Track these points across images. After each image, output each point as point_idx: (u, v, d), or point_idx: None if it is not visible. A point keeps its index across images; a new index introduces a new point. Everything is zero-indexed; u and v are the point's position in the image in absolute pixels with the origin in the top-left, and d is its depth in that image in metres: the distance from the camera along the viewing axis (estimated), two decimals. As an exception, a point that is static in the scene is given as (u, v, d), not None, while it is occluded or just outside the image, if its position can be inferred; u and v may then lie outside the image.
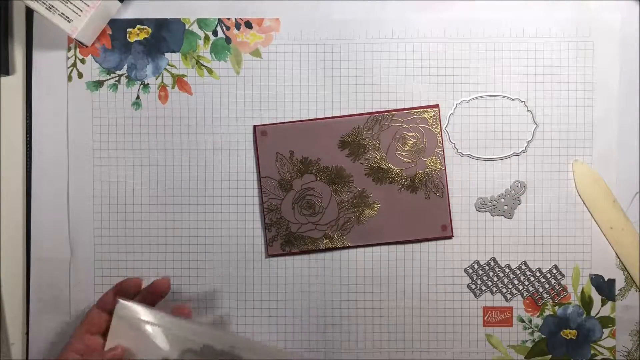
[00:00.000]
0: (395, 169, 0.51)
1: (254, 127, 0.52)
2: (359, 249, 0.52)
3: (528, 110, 0.52)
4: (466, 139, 0.52)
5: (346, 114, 0.52)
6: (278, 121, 0.52)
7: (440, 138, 0.51)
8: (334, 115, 0.52)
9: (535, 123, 0.52)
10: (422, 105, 0.51)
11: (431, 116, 0.51)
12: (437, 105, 0.51)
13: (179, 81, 0.52)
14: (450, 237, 0.52)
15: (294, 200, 0.51)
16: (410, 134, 0.51)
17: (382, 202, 0.51)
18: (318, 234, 0.52)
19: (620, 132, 0.52)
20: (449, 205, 0.51)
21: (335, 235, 0.52)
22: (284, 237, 0.52)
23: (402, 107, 0.51)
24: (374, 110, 0.52)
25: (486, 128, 0.52)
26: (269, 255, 0.52)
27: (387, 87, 0.52)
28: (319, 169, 0.51)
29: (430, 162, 0.51)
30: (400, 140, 0.51)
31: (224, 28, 0.52)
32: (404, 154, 0.51)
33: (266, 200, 0.51)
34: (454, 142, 0.52)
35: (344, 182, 0.51)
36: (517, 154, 0.52)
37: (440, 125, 0.51)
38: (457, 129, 0.52)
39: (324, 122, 0.51)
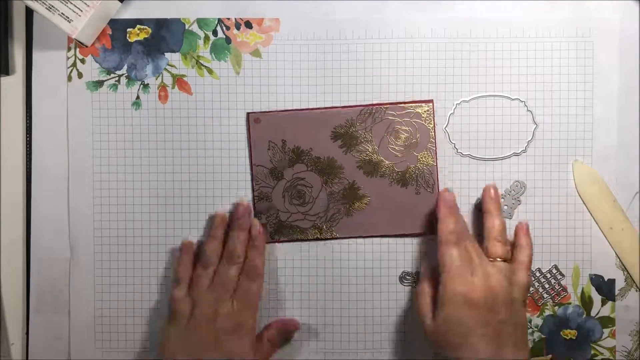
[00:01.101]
0: (387, 162, 0.51)
1: (247, 114, 0.52)
2: (350, 241, 0.52)
3: (528, 110, 0.52)
4: (466, 139, 0.52)
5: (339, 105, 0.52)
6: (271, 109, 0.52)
7: (433, 133, 0.51)
8: (327, 106, 0.51)
9: (535, 123, 0.52)
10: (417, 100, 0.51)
11: (425, 111, 0.51)
12: (431, 101, 0.51)
13: (179, 81, 0.52)
14: None
15: (284, 189, 0.51)
16: (403, 128, 0.51)
17: (372, 195, 0.51)
18: (307, 224, 0.52)
19: (620, 132, 0.52)
20: None
21: (324, 227, 0.51)
22: (274, 225, 0.52)
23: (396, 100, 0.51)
24: (367, 103, 0.51)
25: (486, 128, 0.52)
26: None
27: (387, 87, 0.52)
28: (311, 159, 0.51)
29: (421, 157, 0.51)
30: (393, 134, 0.51)
31: (224, 28, 0.52)
32: (396, 147, 0.51)
33: (257, 188, 0.51)
34: (453, 142, 0.52)
35: (335, 174, 0.51)
36: (517, 154, 0.52)
37: (434, 120, 0.51)
38: (457, 129, 0.52)
39: (318, 112, 0.51)
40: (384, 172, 0.51)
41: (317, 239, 0.52)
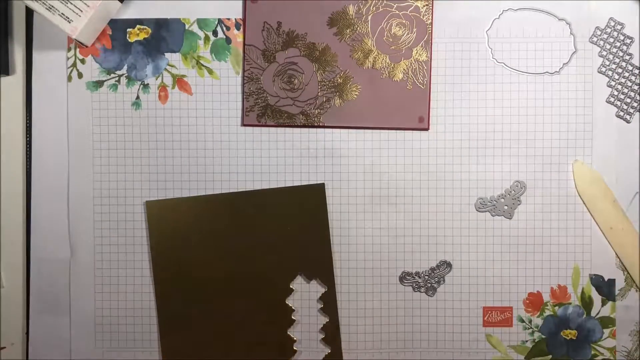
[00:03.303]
0: (381, 54, 0.51)
1: None
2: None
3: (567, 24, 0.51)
4: (466, 140, 0.52)
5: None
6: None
7: (430, 29, 0.51)
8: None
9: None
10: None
11: (424, 5, 0.51)
12: None
13: (179, 81, 0.52)
14: (426, 129, 0.51)
15: (275, 73, 0.51)
16: (401, 20, 0.51)
17: (363, 86, 0.51)
18: (295, 109, 0.51)
19: (620, 132, 0.52)
20: (429, 98, 0.51)
21: (312, 114, 0.51)
22: (261, 108, 0.51)
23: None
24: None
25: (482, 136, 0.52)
26: (244, 124, 0.52)
27: (387, 87, 0.52)
28: (305, 44, 0.51)
29: (416, 52, 0.51)
30: (389, 26, 0.51)
31: (224, 28, 0.52)
32: (391, 40, 0.51)
33: (247, 68, 0.51)
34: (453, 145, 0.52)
35: (328, 61, 0.51)
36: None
37: (432, 16, 0.51)
38: (456, 129, 0.52)
39: None
40: (377, 63, 0.51)
41: (304, 126, 0.52)
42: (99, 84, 0.52)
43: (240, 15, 0.52)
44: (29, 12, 0.52)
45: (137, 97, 0.52)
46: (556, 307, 0.52)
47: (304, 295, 0.52)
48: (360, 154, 0.52)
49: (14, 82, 0.53)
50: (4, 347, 0.52)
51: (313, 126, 0.52)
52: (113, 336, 0.53)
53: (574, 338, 0.52)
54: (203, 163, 0.52)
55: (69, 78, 0.52)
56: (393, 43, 0.51)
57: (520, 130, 0.52)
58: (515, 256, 0.52)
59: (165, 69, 0.52)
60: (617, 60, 0.51)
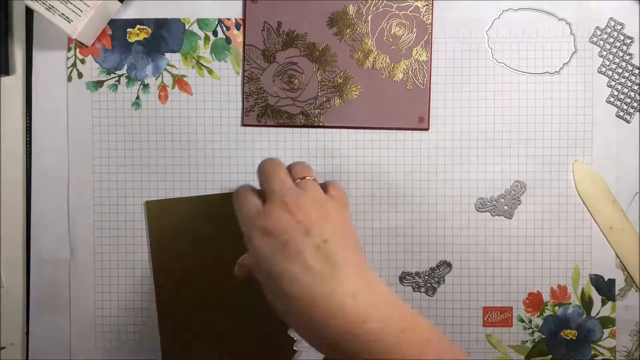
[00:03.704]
0: (381, 54, 0.51)
1: None
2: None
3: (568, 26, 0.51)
4: (466, 139, 0.52)
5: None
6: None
7: (430, 29, 0.51)
8: (325, -7, 0.51)
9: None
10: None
11: (424, 5, 0.51)
12: None
13: (179, 81, 0.52)
14: (426, 129, 0.51)
15: (275, 73, 0.51)
16: (401, 20, 0.51)
17: (363, 86, 0.51)
18: (295, 110, 0.51)
19: (620, 132, 0.52)
20: (429, 98, 0.51)
21: (312, 114, 0.51)
22: (261, 108, 0.51)
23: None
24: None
25: (484, 136, 0.52)
26: (244, 124, 0.52)
27: (387, 87, 0.52)
28: (305, 44, 0.51)
29: (416, 52, 0.51)
30: (389, 26, 0.51)
31: (224, 28, 0.52)
32: (391, 40, 0.51)
33: (247, 68, 0.51)
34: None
35: (328, 61, 0.51)
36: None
37: (432, 16, 0.51)
38: (456, 131, 0.52)
39: None
40: (377, 63, 0.51)
41: (304, 126, 0.52)
42: (99, 84, 0.52)
43: (240, 15, 0.52)
44: (29, 12, 0.52)
45: (137, 97, 0.52)
46: (556, 307, 0.52)
47: (304, 295, 0.52)
48: (360, 154, 0.52)
49: (14, 82, 0.53)
50: (4, 347, 0.52)
51: (313, 126, 0.52)
52: (113, 336, 0.53)
53: (574, 338, 0.52)
54: (203, 163, 0.52)
55: (69, 78, 0.52)
56: (393, 43, 0.51)
57: (520, 130, 0.52)
58: (515, 256, 0.52)
59: (165, 69, 0.52)
60: (617, 60, 0.51)
